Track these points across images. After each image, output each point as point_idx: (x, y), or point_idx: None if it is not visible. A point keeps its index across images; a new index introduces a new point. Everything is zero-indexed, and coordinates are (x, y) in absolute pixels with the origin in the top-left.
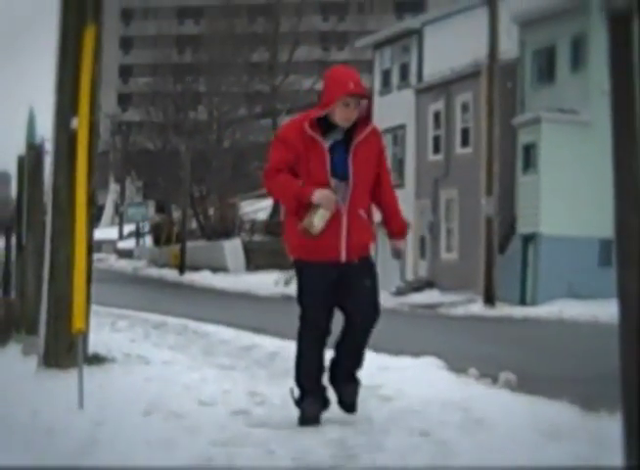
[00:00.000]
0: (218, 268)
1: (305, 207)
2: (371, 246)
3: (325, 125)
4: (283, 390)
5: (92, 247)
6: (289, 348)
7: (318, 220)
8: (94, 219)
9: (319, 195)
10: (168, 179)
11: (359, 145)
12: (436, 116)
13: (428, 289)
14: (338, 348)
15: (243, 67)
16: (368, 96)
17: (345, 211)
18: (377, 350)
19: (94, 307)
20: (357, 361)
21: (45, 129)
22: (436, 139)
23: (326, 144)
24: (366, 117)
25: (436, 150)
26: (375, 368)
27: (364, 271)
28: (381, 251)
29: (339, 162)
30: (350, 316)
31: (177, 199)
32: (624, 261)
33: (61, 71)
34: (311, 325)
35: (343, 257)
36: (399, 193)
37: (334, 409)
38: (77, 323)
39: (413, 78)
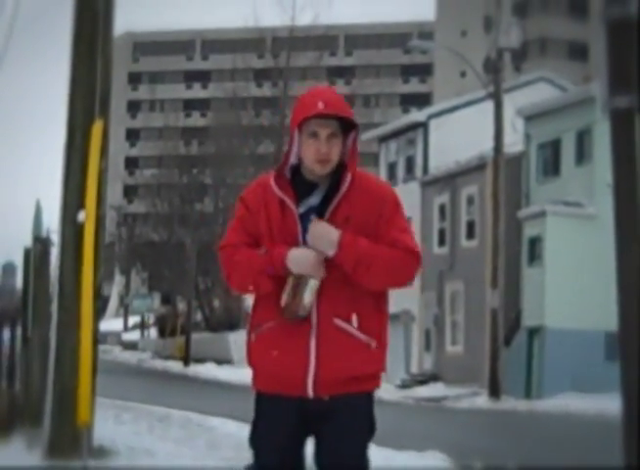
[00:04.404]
0: (223, 360)
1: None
2: (370, 376)
3: (301, 185)
4: None
5: (97, 339)
6: None
7: (309, 295)
8: (99, 312)
9: (296, 257)
10: (174, 271)
11: (339, 209)
12: (442, 208)
13: (433, 382)
14: None
15: (249, 159)
16: (352, 121)
17: (315, 321)
18: (380, 443)
19: (98, 399)
20: None
21: (52, 220)
22: (442, 232)
23: (297, 209)
24: (351, 164)
25: (442, 242)
26: (379, 463)
27: (346, 420)
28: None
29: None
30: None
31: (182, 290)
32: (628, 361)
33: (68, 165)
34: None
35: (310, 391)
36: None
37: None
38: (82, 415)
39: (418, 171)
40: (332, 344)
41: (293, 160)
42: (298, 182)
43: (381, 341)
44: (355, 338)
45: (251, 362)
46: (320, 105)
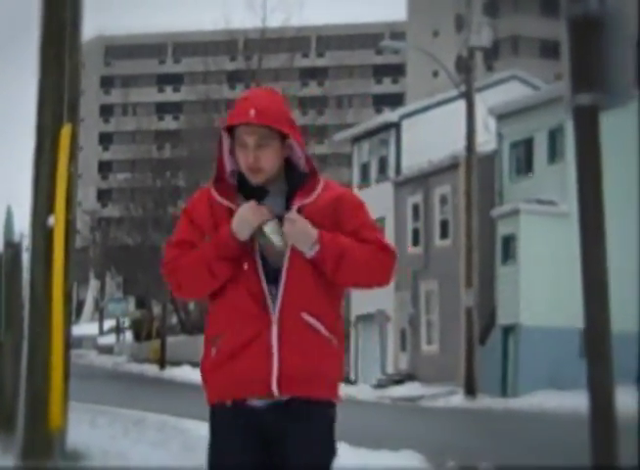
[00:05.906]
0: (199, 363)
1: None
2: (334, 380)
3: (251, 191)
4: None
5: (69, 343)
6: None
7: (277, 239)
8: (71, 316)
9: (238, 216)
10: (148, 275)
11: (301, 214)
12: (415, 208)
13: (409, 381)
14: None
15: None
16: (281, 130)
17: (276, 318)
18: (355, 443)
19: (73, 404)
20: None
21: (24, 225)
22: (415, 232)
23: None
24: (313, 174)
25: (416, 242)
26: (353, 463)
27: (308, 431)
28: (362, 340)
29: None
30: None
31: (157, 294)
32: (594, 358)
33: (37, 170)
34: None
35: (275, 388)
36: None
37: None
38: (55, 419)
39: (391, 171)
40: (297, 339)
41: (231, 166)
42: (248, 188)
43: (341, 345)
44: (322, 335)
45: (211, 376)
46: (251, 112)
